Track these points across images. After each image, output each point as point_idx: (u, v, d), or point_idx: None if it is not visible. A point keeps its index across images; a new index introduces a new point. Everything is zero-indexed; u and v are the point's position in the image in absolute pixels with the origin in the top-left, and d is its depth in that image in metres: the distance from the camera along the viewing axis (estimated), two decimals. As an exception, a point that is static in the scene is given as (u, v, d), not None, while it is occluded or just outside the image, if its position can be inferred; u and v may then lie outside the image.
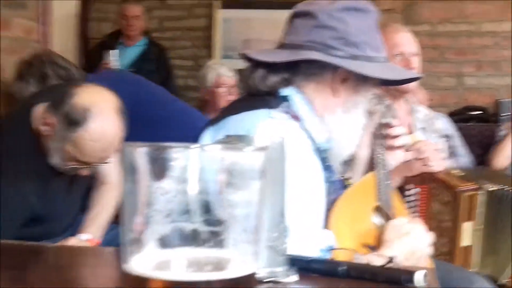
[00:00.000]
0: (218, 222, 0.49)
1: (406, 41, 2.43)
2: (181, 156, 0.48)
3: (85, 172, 2.02)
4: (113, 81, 3.11)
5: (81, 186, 2.25)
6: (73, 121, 1.88)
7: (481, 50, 4.89)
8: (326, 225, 1.43)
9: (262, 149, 0.49)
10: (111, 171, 2.28)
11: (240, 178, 0.48)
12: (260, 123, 1.33)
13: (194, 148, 0.48)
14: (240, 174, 0.48)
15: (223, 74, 3.91)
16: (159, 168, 0.49)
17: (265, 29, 5.15)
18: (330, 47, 1.40)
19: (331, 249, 1.19)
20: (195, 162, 0.48)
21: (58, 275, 0.93)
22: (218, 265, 0.48)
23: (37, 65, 2.79)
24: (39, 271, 0.98)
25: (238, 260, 0.48)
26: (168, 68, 4.89)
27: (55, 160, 1.96)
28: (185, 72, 5.41)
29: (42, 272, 0.97)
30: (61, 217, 2.19)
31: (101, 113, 1.89)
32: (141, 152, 0.49)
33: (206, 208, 0.49)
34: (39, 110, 1.98)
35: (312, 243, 1.26)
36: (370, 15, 1.47)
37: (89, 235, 2.15)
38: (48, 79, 2.77)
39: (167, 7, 5.44)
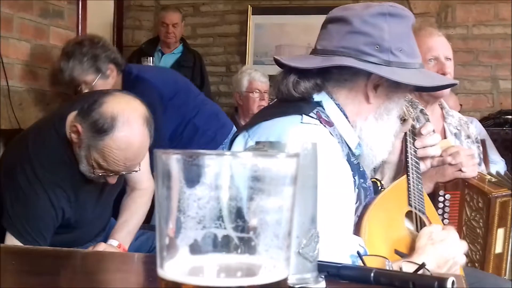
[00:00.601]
0: (250, 229, 0.50)
1: (440, 45, 2.40)
2: (214, 163, 0.50)
3: (112, 180, 2.03)
4: (158, 70, 3.25)
5: (112, 193, 2.27)
6: (100, 129, 1.89)
7: (517, 53, 4.83)
8: (359, 231, 1.42)
9: (294, 155, 0.49)
10: (141, 178, 2.29)
11: (272, 185, 0.49)
12: (291, 129, 1.34)
13: (226, 155, 0.49)
14: (272, 180, 0.49)
15: (256, 79, 3.93)
16: (192, 175, 0.50)
17: (296, 35, 5.16)
18: (363, 53, 1.39)
19: (362, 255, 1.19)
20: (227, 169, 0.49)
21: (88, 280, 0.94)
22: (250, 271, 0.49)
23: (89, 46, 2.87)
24: (69, 276, 1.00)
25: (269, 266, 0.49)
26: (203, 75, 4.93)
27: (83, 168, 1.97)
28: (217, 78, 5.46)
29: (71, 277, 0.99)
30: (92, 224, 2.21)
31: (128, 122, 1.90)
32: (174, 159, 0.50)
33: (238, 214, 0.50)
34: (70, 118, 2.00)
35: (342, 249, 1.26)
36: (406, 20, 1.46)
37: (117, 241, 2.18)
38: (99, 60, 2.85)
39: (200, 14, 5.49)
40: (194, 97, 3.12)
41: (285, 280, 0.49)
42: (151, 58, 4.26)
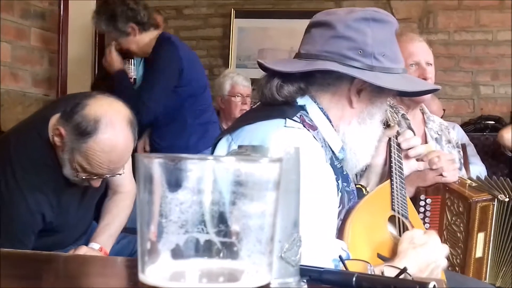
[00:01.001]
0: (232, 234, 0.49)
1: (421, 50, 2.42)
2: (196, 167, 0.49)
3: (96, 183, 2.01)
4: (192, 53, 3.27)
5: (95, 196, 2.25)
6: (83, 132, 1.87)
7: (497, 59, 4.86)
8: (342, 235, 1.43)
9: (277, 160, 0.49)
10: (123, 181, 2.27)
11: (255, 189, 0.49)
12: (275, 133, 1.34)
13: (209, 160, 0.49)
14: (255, 185, 0.49)
15: (239, 83, 3.93)
16: (175, 179, 0.49)
17: (279, 39, 5.16)
18: (347, 57, 1.40)
19: (344, 259, 1.19)
20: (210, 174, 0.49)
21: (69, 284, 0.93)
22: (232, 276, 0.48)
23: (111, 4, 2.88)
24: (51, 280, 0.99)
25: (252, 271, 0.48)
26: None
27: (67, 171, 1.95)
28: (200, 81, 5.44)
29: (53, 281, 0.98)
30: (74, 227, 2.19)
31: (111, 124, 1.88)
32: (157, 163, 0.49)
33: (221, 219, 0.49)
34: (53, 120, 1.98)
35: (324, 253, 1.26)
36: (389, 26, 1.46)
37: (99, 245, 2.16)
38: (116, 19, 2.86)
39: (183, 17, 5.47)
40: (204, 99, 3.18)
41: (268, 285, 0.49)
42: (132, 60, 4.24)
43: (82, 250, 2.08)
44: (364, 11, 1.44)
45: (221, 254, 0.49)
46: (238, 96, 3.93)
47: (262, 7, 5.28)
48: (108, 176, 2.00)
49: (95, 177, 1.97)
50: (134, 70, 4.16)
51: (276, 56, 5.07)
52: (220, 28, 5.39)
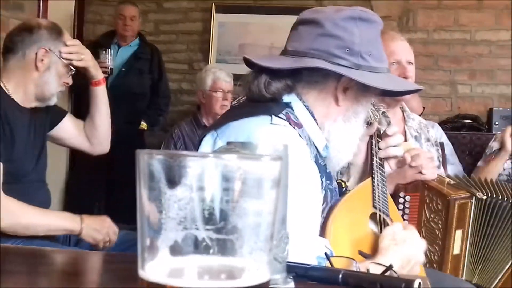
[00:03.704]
0: (232, 231, 0.50)
1: (402, 49, 2.44)
2: (196, 164, 0.49)
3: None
4: None
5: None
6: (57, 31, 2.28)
7: (475, 58, 4.93)
8: (324, 232, 1.43)
9: (278, 158, 0.50)
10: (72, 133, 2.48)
11: (255, 187, 0.49)
12: (261, 130, 1.34)
13: (210, 157, 0.49)
14: (255, 182, 0.49)
15: (221, 79, 3.92)
16: (173, 176, 0.50)
17: (260, 34, 5.17)
18: (334, 55, 1.41)
19: (328, 256, 1.20)
20: (210, 171, 0.49)
21: (68, 281, 0.93)
22: (232, 274, 0.49)
23: None
24: (45, 276, 0.98)
25: (253, 268, 0.49)
26: (161, 68, 4.92)
27: (53, 88, 2.26)
28: (180, 76, 5.43)
29: (51, 277, 0.97)
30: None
31: None
32: (157, 160, 0.50)
33: (220, 216, 0.50)
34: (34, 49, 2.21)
35: (309, 250, 1.27)
36: (375, 25, 1.48)
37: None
38: None
39: (163, 11, 5.45)
40: None
41: (268, 282, 0.49)
42: (108, 50, 4.22)
43: None
44: (352, 10, 1.45)
45: (220, 251, 0.50)
46: (219, 91, 3.92)
47: (243, 2, 5.28)
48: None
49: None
50: (110, 60, 4.16)
51: (256, 51, 5.08)
52: (200, 23, 5.38)
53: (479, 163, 4.06)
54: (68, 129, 2.47)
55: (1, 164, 2.11)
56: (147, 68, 4.80)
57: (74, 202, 4.60)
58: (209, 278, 0.48)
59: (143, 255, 0.50)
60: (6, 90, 2.23)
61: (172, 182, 0.50)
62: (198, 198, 0.50)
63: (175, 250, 0.50)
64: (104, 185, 4.62)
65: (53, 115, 2.43)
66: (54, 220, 2.16)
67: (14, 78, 2.24)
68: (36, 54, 2.20)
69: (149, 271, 0.49)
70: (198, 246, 0.50)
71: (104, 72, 3.46)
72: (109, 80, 4.46)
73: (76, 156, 2.29)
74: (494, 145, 4.07)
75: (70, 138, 2.49)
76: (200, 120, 4.00)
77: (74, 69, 2.30)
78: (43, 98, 2.29)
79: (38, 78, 2.23)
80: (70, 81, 2.35)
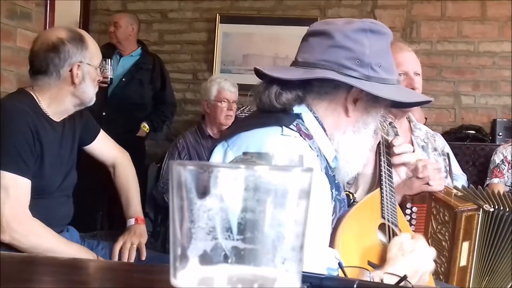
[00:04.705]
0: (259, 241, 0.50)
1: (409, 60, 2.45)
2: (226, 175, 0.50)
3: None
4: None
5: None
6: (79, 39, 2.26)
7: (479, 69, 4.94)
8: (333, 243, 1.44)
9: (308, 170, 0.50)
10: (112, 152, 2.56)
11: (285, 198, 0.50)
12: (272, 141, 1.35)
13: (240, 168, 0.50)
14: (285, 193, 0.50)
15: (226, 89, 3.93)
16: (204, 186, 0.51)
17: (264, 45, 5.19)
18: (344, 67, 1.42)
19: (342, 266, 1.21)
20: (239, 181, 0.50)
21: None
22: (263, 283, 0.49)
23: None
24: (51, 285, 0.98)
25: (284, 278, 0.49)
26: (164, 78, 4.90)
27: (91, 91, 2.30)
28: (184, 86, 5.45)
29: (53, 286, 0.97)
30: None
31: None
32: (188, 170, 0.50)
33: (249, 226, 0.50)
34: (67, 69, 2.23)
35: (320, 261, 1.27)
36: (385, 37, 1.49)
37: (133, 218, 2.43)
38: None
39: (168, 21, 5.47)
40: None
41: (298, 292, 0.50)
42: (108, 60, 4.24)
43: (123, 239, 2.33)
44: (362, 22, 1.46)
45: (249, 261, 0.50)
46: (224, 101, 3.93)
47: (247, 13, 5.30)
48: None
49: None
50: (110, 70, 4.17)
51: (261, 62, 5.09)
52: (204, 33, 5.40)
53: (487, 181, 4.09)
54: (98, 147, 2.53)
55: (30, 181, 2.13)
56: (148, 78, 4.78)
57: (77, 211, 4.59)
58: (242, 286, 0.49)
59: (175, 264, 0.50)
60: (40, 105, 2.24)
61: (202, 192, 0.51)
62: (227, 209, 0.50)
63: (205, 259, 0.51)
64: (106, 195, 4.61)
65: (87, 131, 2.47)
66: (73, 251, 2.19)
67: (49, 93, 2.24)
68: (71, 71, 2.22)
69: (180, 279, 0.50)
70: (227, 256, 0.50)
71: (104, 82, 3.49)
72: (109, 89, 4.47)
73: (80, 165, 2.30)
74: (495, 158, 4.09)
75: (97, 155, 2.56)
76: (204, 130, 4.00)
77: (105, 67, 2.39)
78: (82, 104, 2.32)
79: (76, 90, 2.25)
80: (101, 78, 2.44)
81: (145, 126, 4.66)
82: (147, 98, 4.77)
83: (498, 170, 4.05)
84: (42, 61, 2.21)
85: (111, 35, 4.77)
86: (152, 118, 4.75)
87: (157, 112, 4.80)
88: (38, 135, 2.17)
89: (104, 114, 4.31)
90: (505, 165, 4.06)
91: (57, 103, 2.26)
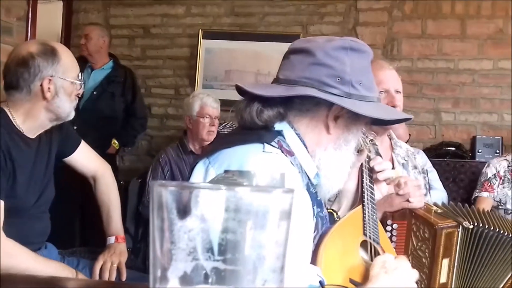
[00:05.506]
0: (240, 262, 0.50)
1: (390, 78, 2.47)
2: (207, 195, 0.50)
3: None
4: None
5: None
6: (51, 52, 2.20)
7: (459, 87, 5.00)
8: (315, 260, 1.44)
9: (289, 191, 0.50)
10: (94, 164, 2.53)
11: (266, 219, 0.50)
12: (253, 158, 1.35)
13: (221, 189, 0.50)
14: (266, 214, 0.50)
15: (208, 105, 3.93)
16: (184, 207, 0.50)
17: (246, 61, 5.20)
18: (325, 84, 1.43)
19: (323, 285, 1.21)
20: (220, 202, 0.50)
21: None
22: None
23: None
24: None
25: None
26: (135, 90, 4.87)
27: (68, 107, 2.25)
28: (166, 101, 5.44)
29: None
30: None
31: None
32: (168, 191, 0.50)
33: (230, 247, 0.50)
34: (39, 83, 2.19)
35: (302, 279, 1.27)
36: (366, 55, 1.50)
37: (112, 236, 2.39)
38: None
39: (150, 36, 5.47)
40: None
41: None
42: (80, 73, 4.20)
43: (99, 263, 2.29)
44: (343, 40, 1.48)
45: (229, 282, 0.50)
46: (206, 117, 3.92)
47: (229, 29, 5.32)
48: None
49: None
50: (82, 83, 4.13)
51: (243, 78, 5.11)
52: (187, 48, 5.40)
53: (476, 193, 4.12)
54: (79, 159, 2.49)
55: (2, 201, 2.07)
56: (120, 91, 4.75)
57: (55, 226, 4.54)
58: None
59: (154, 285, 0.50)
60: (14, 121, 2.19)
61: (183, 213, 0.50)
62: (208, 229, 0.50)
63: (185, 280, 0.50)
64: (85, 209, 4.56)
65: (67, 143, 2.43)
66: (51, 269, 2.14)
67: (22, 109, 2.19)
68: (41, 85, 2.17)
69: (160, 301, 0.50)
70: (208, 277, 0.50)
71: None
72: (80, 103, 4.44)
73: (57, 179, 2.28)
74: (487, 171, 4.12)
75: (78, 167, 2.52)
76: (186, 146, 3.99)
77: (82, 81, 2.33)
78: (59, 119, 2.27)
79: (49, 105, 2.20)
80: (81, 91, 2.37)
81: (115, 143, 4.63)
82: (118, 111, 4.74)
83: (489, 184, 4.08)
84: (13, 76, 2.17)
85: (82, 47, 4.74)
86: (122, 134, 4.72)
87: (127, 126, 4.77)
88: (9, 154, 2.12)
89: (75, 128, 4.27)
90: (496, 180, 4.08)
91: (31, 118, 2.21)
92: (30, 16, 3.84)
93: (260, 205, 0.49)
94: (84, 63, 4.71)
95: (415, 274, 1.54)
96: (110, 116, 4.68)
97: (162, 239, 0.50)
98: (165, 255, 0.50)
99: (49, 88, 2.17)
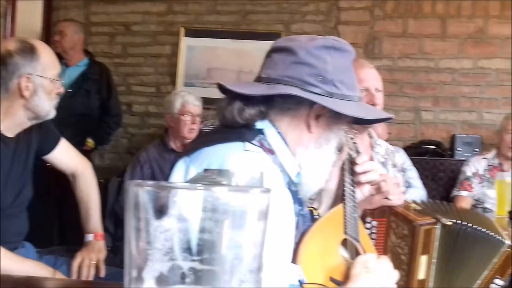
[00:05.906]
0: (217, 262, 0.50)
1: (370, 76, 2.48)
2: (184, 195, 0.50)
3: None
4: None
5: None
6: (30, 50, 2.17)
7: (439, 86, 5.03)
8: (295, 259, 1.44)
9: (266, 191, 0.50)
10: (74, 161, 2.51)
11: (243, 219, 0.50)
12: (234, 156, 1.34)
13: (198, 189, 0.50)
14: (243, 214, 0.50)
15: (189, 103, 3.92)
16: (161, 207, 0.50)
17: (228, 59, 5.20)
18: (307, 83, 1.43)
19: (301, 284, 1.21)
20: (197, 202, 0.50)
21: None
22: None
23: None
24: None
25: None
26: (110, 87, 4.83)
27: (48, 105, 2.24)
28: (147, 99, 5.41)
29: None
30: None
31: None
32: (145, 191, 0.50)
33: (206, 247, 0.50)
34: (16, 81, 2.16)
35: (282, 278, 1.27)
36: (347, 54, 1.50)
37: (91, 234, 2.37)
38: None
39: (132, 34, 5.44)
40: None
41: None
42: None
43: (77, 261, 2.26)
44: (325, 39, 1.48)
45: (206, 282, 0.50)
46: (188, 115, 3.91)
47: (211, 27, 5.31)
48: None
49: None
50: None
51: (224, 76, 5.10)
52: (168, 46, 5.38)
53: (455, 192, 4.15)
54: (59, 157, 2.46)
55: None
56: (95, 88, 4.70)
57: (33, 225, 4.49)
58: (197, 309, 0.48)
59: (129, 286, 0.50)
60: None
61: (159, 213, 0.50)
62: (185, 229, 0.50)
63: (161, 280, 0.50)
64: (63, 207, 4.51)
65: (46, 141, 2.40)
66: (28, 268, 2.12)
67: (1, 108, 2.17)
68: (19, 83, 2.14)
69: (136, 302, 0.49)
70: (185, 277, 0.50)
71: None
72: (55, 100, 4.39)
73: (36, 177, 2.27)
74: (466, 169, 4.15)
75: (57, 164, 2.49)
76: (167, 144, 3.98)
77: (61, 80, 2.30)
78: (38, 118, 2.25)
79: (28, 103, 2.17)
80: (62, 89, 2.32)
81: (89, 142, 4.58)
82: (94, 109, 4.69)
83: (468, 183, 4.11)
84: None
85: (56, 44, 4.64)
86: (97, 133, 4.67)
87: (102, 124, 4.73)
88: None
89: (50, 126, 4.23)
90: (475, 179, 4.11)
91: (10, 117, 2.18)
92: (9, 14, 3.80)
93: (238, 205, 0.49)
94: (58, 59, 4.65)
95: (396, 275, 1.54)
96: (85, 113, 4.62)
97: (137, 239, 0.50)
98: (140, 255, 0.50)
99: (27, 86, 2.15)
